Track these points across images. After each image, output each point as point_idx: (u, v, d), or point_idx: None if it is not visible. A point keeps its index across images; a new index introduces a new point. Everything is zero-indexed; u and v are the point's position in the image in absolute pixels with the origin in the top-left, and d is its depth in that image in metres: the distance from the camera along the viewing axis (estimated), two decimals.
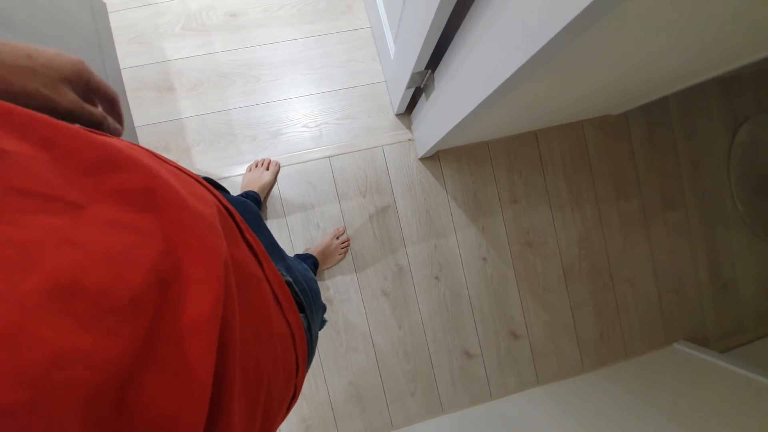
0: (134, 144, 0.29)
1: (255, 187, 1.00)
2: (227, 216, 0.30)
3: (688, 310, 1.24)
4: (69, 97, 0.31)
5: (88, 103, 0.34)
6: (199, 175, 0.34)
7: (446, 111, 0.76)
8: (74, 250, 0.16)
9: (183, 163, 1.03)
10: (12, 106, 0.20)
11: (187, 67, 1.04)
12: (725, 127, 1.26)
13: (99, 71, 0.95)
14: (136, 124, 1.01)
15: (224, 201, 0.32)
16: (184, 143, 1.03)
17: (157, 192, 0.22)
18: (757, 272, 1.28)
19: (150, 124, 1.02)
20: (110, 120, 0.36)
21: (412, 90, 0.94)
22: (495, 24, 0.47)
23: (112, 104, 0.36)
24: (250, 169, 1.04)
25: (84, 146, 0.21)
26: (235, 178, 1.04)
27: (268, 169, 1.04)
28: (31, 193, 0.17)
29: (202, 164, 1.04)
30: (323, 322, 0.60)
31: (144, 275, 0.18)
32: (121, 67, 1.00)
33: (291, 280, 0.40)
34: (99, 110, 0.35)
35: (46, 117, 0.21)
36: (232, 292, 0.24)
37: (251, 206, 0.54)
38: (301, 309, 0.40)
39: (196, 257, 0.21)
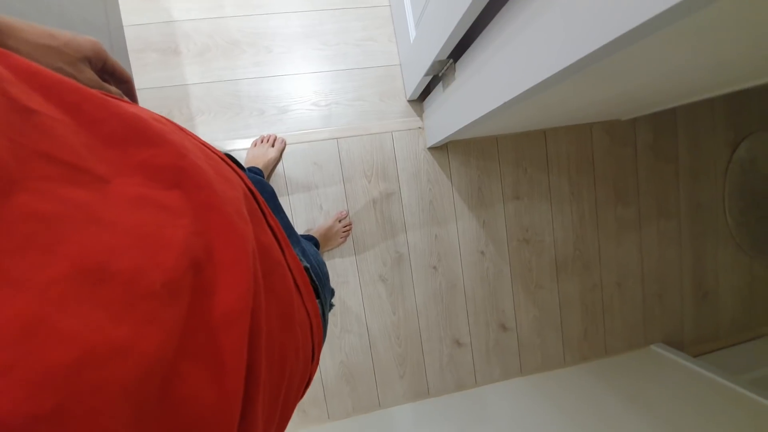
0: (161, 116, 0.27)
1: (259, 164, 0.98)
2: (252, 199, 0.29)
3: (668, 314, 1.30)
4: (89, 76, 0.31)
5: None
6: (221, 152, 0.33)
7: (466, 104, 0.75)
8: (102, 229, 0.15)
9: None
10: (39, 67, 0.19)
11: (194, 30, 0.99)
12: (727, 141, 1.28)
13: (102, 27, 0.90)
14: (138, 87, 0.96)
15: (248, 183, 0.31)
16: (188, 111, 1.00)
17: (186, 171, 0.21)
18: (736, 285, 1.34)
19: (153, 87, 0.98)
20: (126, 100, 0.36)
21: (429, 78, 0.91)
22: (540, 20, 0.46)
23: (127, 85, 0.36)
24: (255, 144, 1.01)
25: (111, 116, 0.20)
26: (239, 152, 1.02)
27: (273, 145, 1.01)
28: (57, 160, 0.16)
29: (206, 135, 1.01)
30: (331, 306, 0.60)
31: (176, 257, 0.17)
32: (125, 24, 0.94)
33: (308, 265, 0.40)
34: (115, 89, 0.35)
35: (72, 82, 0.20)
36: (259, 281, 0.23)
37: (268, 186, 0.53)
38: (316, 295, 0.40)
39: (225, 243, 0.21)
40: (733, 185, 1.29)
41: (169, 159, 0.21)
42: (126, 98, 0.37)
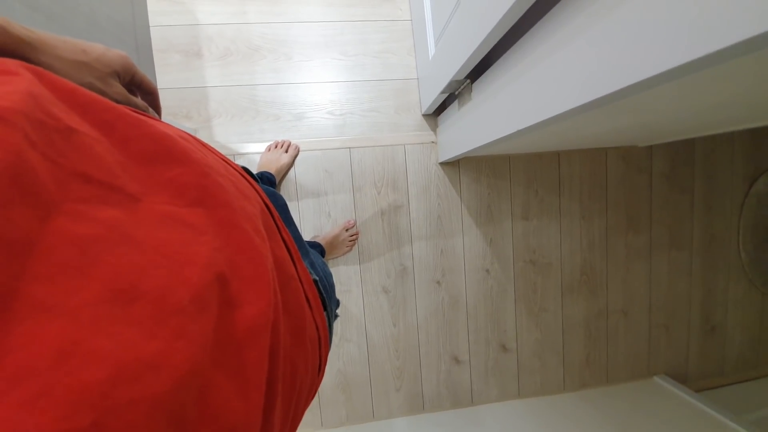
0: (186, 133, 0.28)
1: (272, 168, 0.99)
2: (268, 214, 0.30)
3: (674, 346, 1.27)
4: (117, 90, 0.32)
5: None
6: (239, 165, 0.33)
7: (479, 126, 0.75)
8: (132, 249, 0.16)
9: (202, 134, 1.01)
10: (74, 85, 0.19)
11: (218, 34, 1.01)
12: (745, 175, 1.26)
13: (128, 26, 0.92)
14: (159, 87, 0.98)
15: (264, 197, 0.32)
16: (205, 113, 1.01)
17: (208, 189, 0.22)
18: (746, 321, 1.30)
19: (174, 87, 1.00)
20: (151, 111, 0.37)
21: (446, 95, 0.92)
22: (562, 54, 0.45)
23: (152, 96, 0.38)
24: (269, 149, 1.03)
25: (143, 135, 0.21)
26: (253, 155, 1.03)
27: (287, 151, 1.02)
28: (94, 180, 0.16)
29: (222, 137, 1.02)
30: (336, 316, 0.60)
31: (200, 272, 0.17)
32: (151, 24, 0.96)
33: (317, 278, 0.40)
34: (141, 102, 0.37)
35: (107, 101, 0.20)
36: (278, 296, 0.24)
37: (280, 198, 0.54)
38: (323, 307, 0.40)
39: (245, 259, 0.21)
40: (748, 220, 1.26)
41: (194, 178, 0.21)
42: (151, 110, 0.38)
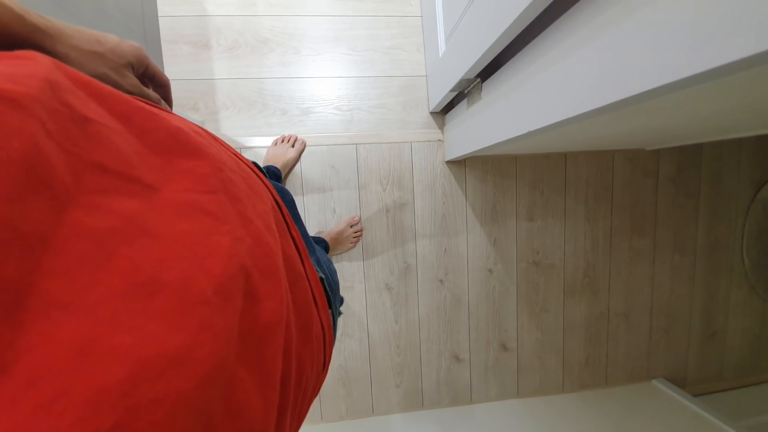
0: (199, 127, 0.28)
1: (278, 163, 0.99)
2: (278, 211, 0.30)
3: (673, 350, 1.27)
4: (131, 81, 0.32)
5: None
6: (249, 161, 0.33)
7: (489, 126, 0.75)
8: (150, 241, 0.15)
9: (209, 126, 1.01)
10: (90, 78, 0.19)
11: (226, 25, 1.00)
12: (751, 180, 1.25)
13: (136, 15, 0.91)
14: (168, 77, 0.97)
15: (275, 194, 0.32)
16: (213, 105, 1.01)
17: (224, 184, 0.22)
18: (746, 327, 1.31)
19: (181, 79, 0.99)
20: (163, 104, 0.37)
21: (455, 93, 0.91)
22: (577, 55, 0.45)
23: (164, 89, 0.37)
24: (275, 144, 1.02)
25: (159, 127, 0.20)
26: (259, 149, 1.03)
27: (293, 146, 1.02)
28: (110, 170, 0.16)
29: (228, 130, 1.02)
30: (339, 314, 0.60)
31: (223, 264, 0.17)
32: (159, 14, 0.95)
33: (323, 276, 0.40)
34: (154, 94, 0.36)
35: (122, 94, 0.20)
36: (288, 294, 0.24)
37: (288, 194, 0.54)
38: (328, 304, 0.40)
39: (260, 253, 0.21)
40: (753, 226, 1.26)
41: (209, 171, 0.21)
42: (163, 102, 0.38)
